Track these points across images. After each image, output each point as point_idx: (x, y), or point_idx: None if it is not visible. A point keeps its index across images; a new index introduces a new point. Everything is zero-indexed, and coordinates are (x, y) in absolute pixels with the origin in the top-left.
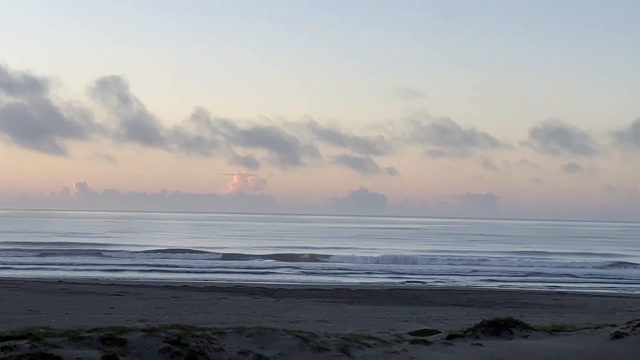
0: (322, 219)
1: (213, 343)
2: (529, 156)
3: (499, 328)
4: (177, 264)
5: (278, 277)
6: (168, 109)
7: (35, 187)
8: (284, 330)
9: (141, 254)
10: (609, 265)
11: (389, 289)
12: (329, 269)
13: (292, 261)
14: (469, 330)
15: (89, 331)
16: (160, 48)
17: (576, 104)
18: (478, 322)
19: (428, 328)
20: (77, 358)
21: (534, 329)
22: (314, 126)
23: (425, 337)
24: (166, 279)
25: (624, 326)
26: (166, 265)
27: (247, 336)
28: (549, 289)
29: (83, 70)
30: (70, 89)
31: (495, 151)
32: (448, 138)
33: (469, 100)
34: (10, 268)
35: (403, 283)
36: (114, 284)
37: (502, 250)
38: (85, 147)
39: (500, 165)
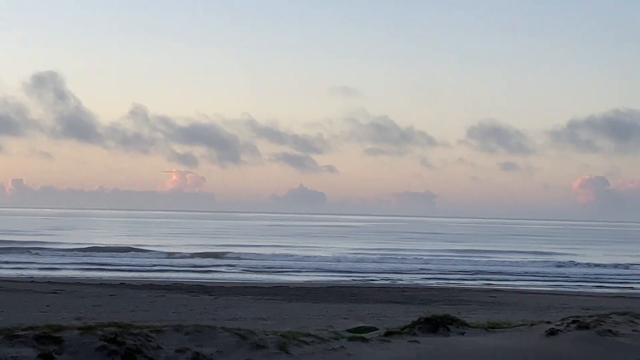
0: (261, 217)
1: (150, 341)
2: (466, 155)
3: (436, 325)
4: (115, 262)
5: (216, 275)
6: (105, 105)
7: None
8: (222, 327)
9: (77, 251)
10: (544, 263)
11: (327, 287)
12: (268, 267)
13: (230, 259)
14: (406, 327)
15: (24, 329)
16: (97, 44)
17: (513, 104)
18: (415, 319)
19: (366, 325)
20: (12, 357)
21: (470, 326)
22: (253, 124)
23: (363, 334)
24: (103, 277)
25: (559, 323)
26: (103, 264)
27: (185, 334)
28: (486, 287)
29: (18, 66)
30: (5, 84)
31: (433, 150)
32: (386, 136)
33: (407, 99)
34: None
35: (341, 280)
36: (50, 281)
37: (440, 248)
38: (21, 144)
39: (438, 164)
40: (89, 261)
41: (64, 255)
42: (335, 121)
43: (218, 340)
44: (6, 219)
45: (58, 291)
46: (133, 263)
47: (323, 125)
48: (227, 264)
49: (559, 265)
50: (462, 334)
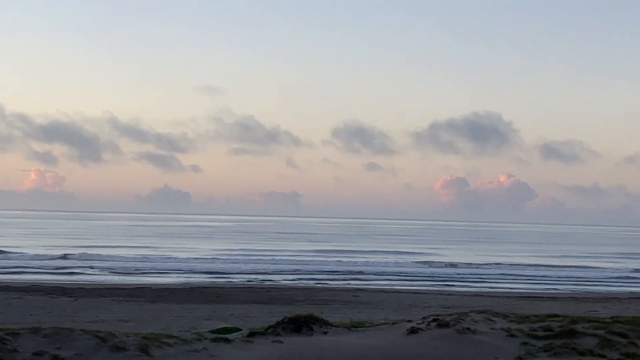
0: (123, 217)
1: (6, 344)
2: (331, 155)
3: (299, 325)
4: None
5: (76, 276)
6: None
7: None
8: (81, 330)
9: None
10: (406, 263)
11: (190, 288)
12: (129, 268)
13: (91, 260)
14: (270, 327)
15: None
16: None
17: (376, 105)
18: (279, 319)
19: (229, 326)
20: None
21: (333, 325)
22: (114, 122)
23: (227, 335)
24: None
25: (420, 322)
26: None
27: (43, 337)
28: (349, 286)
29: None
30: None
31: (298, 150)
32: (252, 136)
33: (273, 98)
34: None
35: (205, 281)
36: None
37: (304, 249)
38: None
39: (303, 164)
40: None
41: None
42: (200, 120)
43: (77, 343)
44: None
45: None
46: None
47: (188, 124)
48: (87, 265)
49: (420, 264)
50: (325, 333)
